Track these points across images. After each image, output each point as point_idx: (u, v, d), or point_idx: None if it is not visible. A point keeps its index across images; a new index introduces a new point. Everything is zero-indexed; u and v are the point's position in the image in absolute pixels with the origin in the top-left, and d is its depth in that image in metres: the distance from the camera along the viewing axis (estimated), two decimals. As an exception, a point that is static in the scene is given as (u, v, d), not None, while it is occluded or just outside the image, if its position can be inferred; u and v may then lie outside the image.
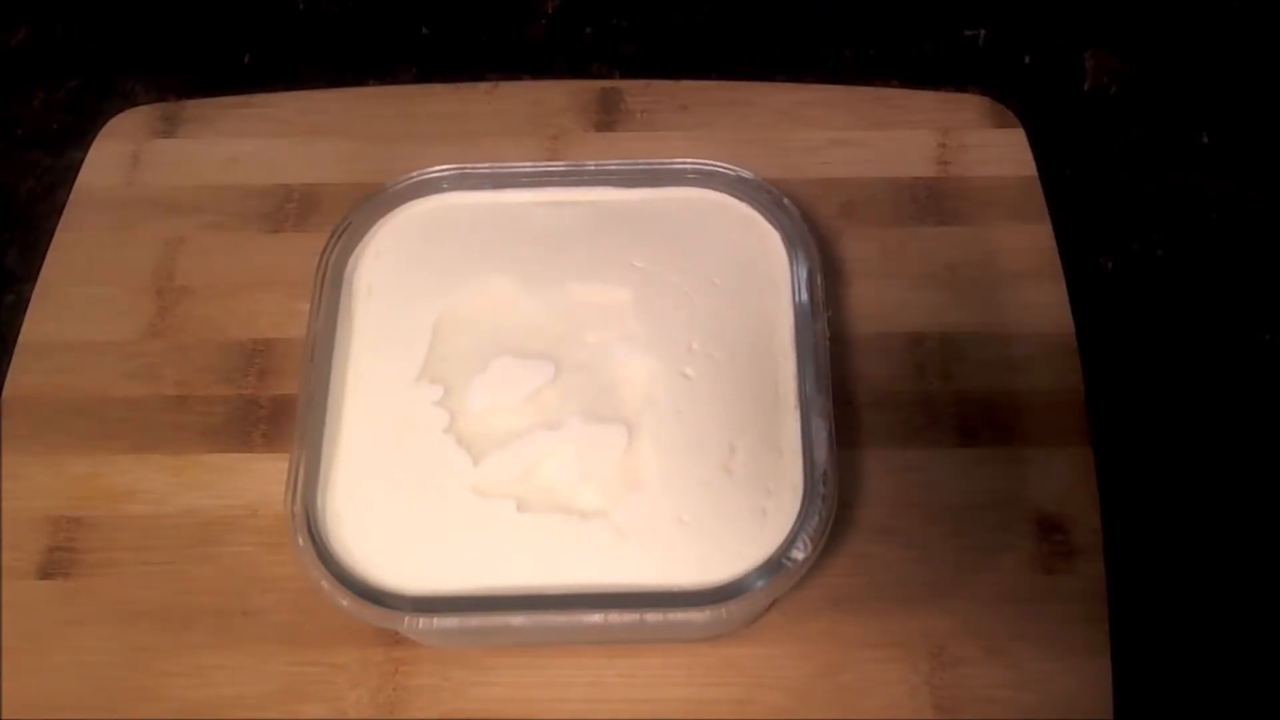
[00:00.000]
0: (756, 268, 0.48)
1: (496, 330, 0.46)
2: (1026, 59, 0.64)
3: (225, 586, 0.46)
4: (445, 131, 0.57)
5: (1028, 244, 0.53)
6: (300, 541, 0.41)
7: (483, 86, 0.58)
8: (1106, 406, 0.50)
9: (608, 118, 0.57)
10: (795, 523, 0.41)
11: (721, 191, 0.49)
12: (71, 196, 0.56)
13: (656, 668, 0.45)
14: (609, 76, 0.60)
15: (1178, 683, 0.47)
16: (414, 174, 0.50)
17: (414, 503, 0.43)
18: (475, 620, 0.41)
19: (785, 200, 0.49)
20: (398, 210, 0.50)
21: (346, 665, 0.45)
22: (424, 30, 0.64)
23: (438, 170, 0.50)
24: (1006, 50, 0.64)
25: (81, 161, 0.57)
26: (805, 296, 0.46)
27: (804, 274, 0.47)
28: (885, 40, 0.65)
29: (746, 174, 0.49)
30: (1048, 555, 0.46)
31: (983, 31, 0.65)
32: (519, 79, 0.59)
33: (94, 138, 0.58)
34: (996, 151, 0.56)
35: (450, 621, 0.40)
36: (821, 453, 0.42)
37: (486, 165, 0.50)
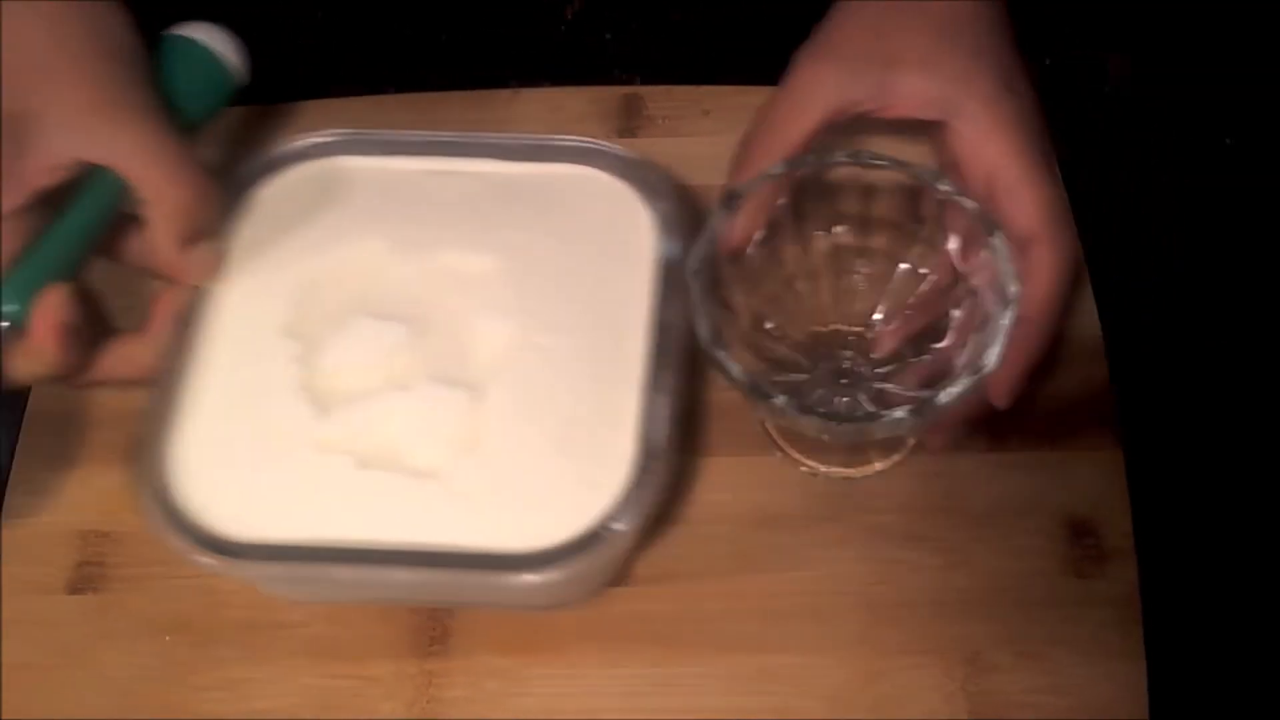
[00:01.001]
0: (626, 245, 0.48)
1: (363, 292, 0.46)
2: (1046, 61, 0.64)
3: (256, 599, 0.46)
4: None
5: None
6: (145, 498, 0.41)
7: (504, 93, 0.58)
8: (1137, 410, 0.50)
9: (630, 124, 0.57)
10: (624, 496, 0.41)
11: (604, 170, 0.49)
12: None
13: (692, 677, 0.45)
14: (630, 82, 0.59)
15: (1214, 686, 0.47)
16: (307, 136, 0.50)
17: (259, 455, 0.43)
18: (299, 570, 0.41)
19: (665, 180, 0.48)
20: (285, 171, 0.50)
21: (380, 677, 0.45)
22: (444, 37, 0.64)
23: (330, 134, 0.50)
24: (1025, 53, 0.64)
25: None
26: (668, 276, 0.46)
27: (672, 254, 0.47)
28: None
29: (630, 154, 0.49)
30: (1080, 559, 0.46)
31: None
32: (540, 85, 0.59)
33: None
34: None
35: (275, 569, 0.41)
36: (659, 429, 0.42)
37: (378, 132, 0.50)
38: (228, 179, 0.48)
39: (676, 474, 0.42)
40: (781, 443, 0.49)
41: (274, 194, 0.49)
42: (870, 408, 0.46)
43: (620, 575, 0.47)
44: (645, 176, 0.49)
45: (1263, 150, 0.60)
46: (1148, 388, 0.53)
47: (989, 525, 0.47)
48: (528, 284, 0.46)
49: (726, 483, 0.48)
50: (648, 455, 0.42)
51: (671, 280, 0.46)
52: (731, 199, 0.44)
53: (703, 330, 0.42)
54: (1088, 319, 0.51)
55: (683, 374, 0.44)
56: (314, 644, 0.46)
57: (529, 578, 0.40)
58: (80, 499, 0.49)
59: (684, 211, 0.48)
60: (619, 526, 0.40)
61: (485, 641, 0.46)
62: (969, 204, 0.44)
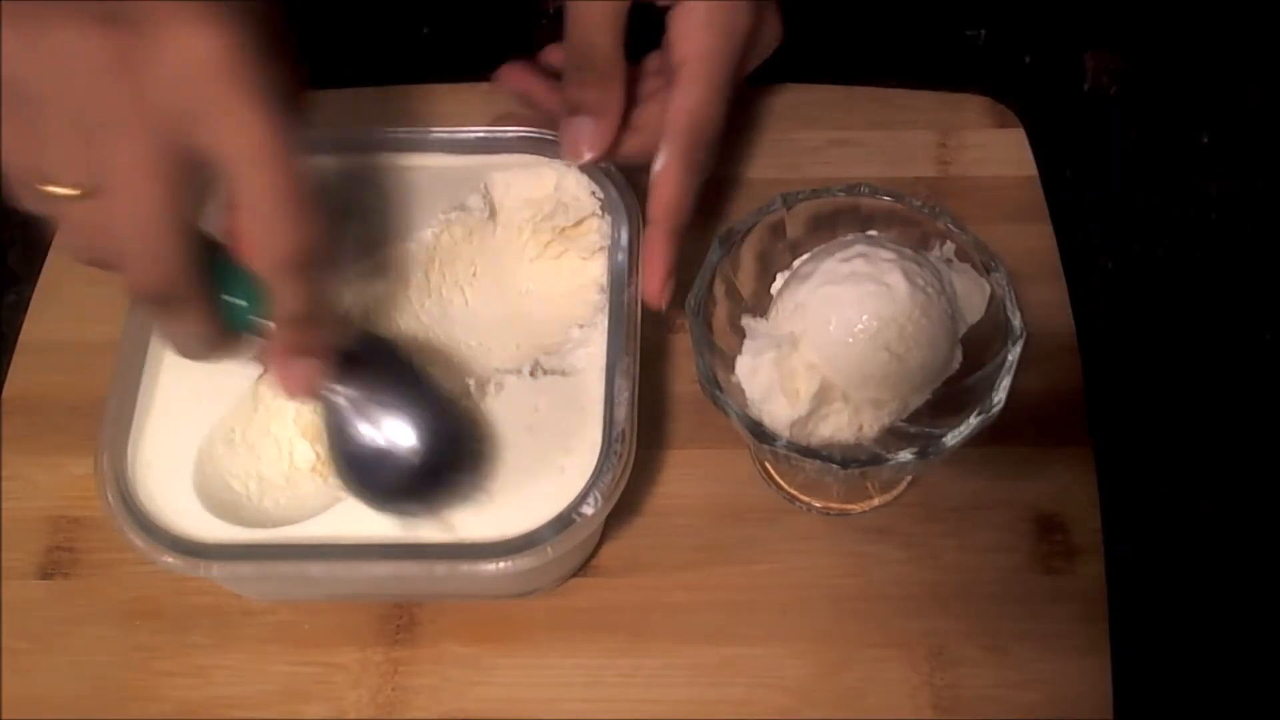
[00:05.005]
0: (577, 233, 0.48)
1: None
2: (1026, 59, 0.64)
3: (224, 586, 0.46)
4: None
5: (1028, 244, 0.53)
6: (109, 497, 0.41)
7: (483, 87, 0.58)
8: (1106, 406, 0.50)
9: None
10: (589, 479, 0.41)
11: (551, 158, 0.49)
12: (72, 196, 0.56)
13: (656, 668, 0.45)
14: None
15: (1178, 682, 0.47)
16: None
17: (223, 453, 0.43)
18: (271, 568, 0.40)
19: (610, 168, 0.48)
20: None
21: (346, 665, 0.45)
22: (424, 30, 0.64)
23: None
24: (1006, 50, 0.64)
25: (82, 161, 0.57)
26: (621, 260, 0.46)
27: (622, 239, 0.46)
28: (885, 40, 0.65)
29: None
30: (1047, 555, 0.46)
31: (983, 31, 0.65)
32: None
33: (94, 138, 0.58)
34: (996, 151, 0.56)
35: (246, 568, 0.40)
36: (621, 413, 0.42)
37: (328, 130, 0.50)
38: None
39: (644, 464, 0.42)
40: (779, 479, 0.48)
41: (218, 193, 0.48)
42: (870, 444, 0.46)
43: (587, 565, 0.47)
44: (592, 164, 0.48)
45: (1239, 148, 0.60)
46: (1119, 384, 0.53)
47: (957, 519, 0.47)
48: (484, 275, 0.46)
49: (694, 475, 0.48)
50: (611, 439, 0.42)
51: (623, 266, 0.46)
52: (729, 236, 0.44)
53: (702, 369, 0.42)
54: (1060, 314, 0.51)
55: (639, 359, 0.44)
56: (282, 631, 0.46)
57: (501, 565, 0.40)
58: (52, 485, 0.49)
59: (631, 197, 0.48)
60: (588, 510, 0.41)
61: (451, 630, 0.46)
62: (967, 236, 0.44)
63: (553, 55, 0.52)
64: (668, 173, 0.46)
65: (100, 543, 0.48)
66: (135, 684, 0.45)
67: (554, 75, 0.52)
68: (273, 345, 0.37)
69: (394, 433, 0.40)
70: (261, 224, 0.34)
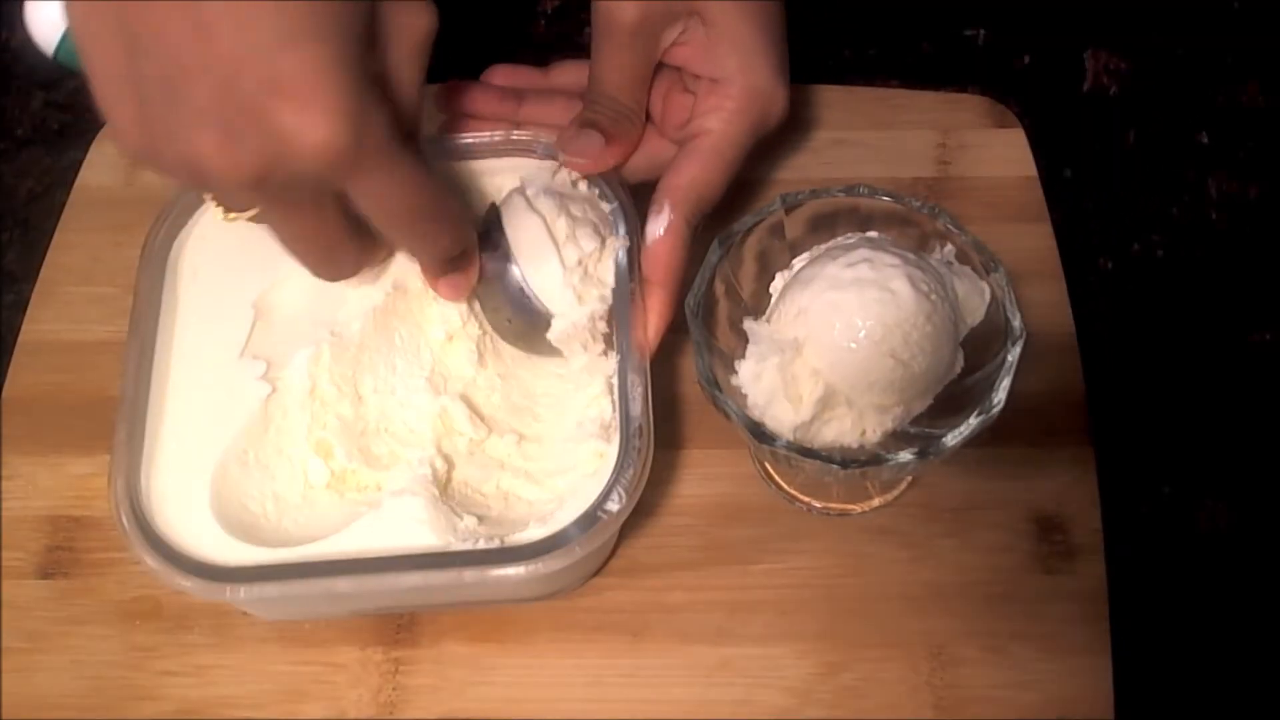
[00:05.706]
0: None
1: (318, 306, 0.45)
2: (1026, 59, 0.64)
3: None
4: (445, 131, 0.56)
5: (1028, 244, 0.53)
6: (125, 522, 0.41)
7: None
8: (1106, 406, 0.50)
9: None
10: (611, 476, 0.41)
11: (540, 160, 0.49)
12: (71, 196, 0.56)
13: (656, 668, 0.45)
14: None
15: (1178, 682, 0.47)
16: None
17: (236, 476, 0.43)
18: (298, 587, 0.40)
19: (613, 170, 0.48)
20: None
21: (346, 665, 0.45)
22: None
23: None
24: (1006, 50, 0.64)
25: (81, 161, 0.57)
26: (623, 257, 0.46)
27: (623, 236, 0.46)
28: (885, 40, 0.65)
29: None
30: (1047, 555, 0.46)
31: (983, 31, 0.65)
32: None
33: (94, 138, 0.58)
34: (996, 151, 0.56)
35: (272, 589, 0.40)
36: (637, 407, 0.42)
37: None
38: (182, 196, 0.47)
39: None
40: (779, 479, 0.48)
41: (215, 217, 0.47)
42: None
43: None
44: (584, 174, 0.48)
45: (1239, 148, 0.60)
46: (1119, 384, 0.53)
47: (957, 519, 0.47)
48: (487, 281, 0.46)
49: (693, 475, 0.49)
50: (629, 434, 0.42)
51: (624, 262, 0.46)
52: (728, 237, 0.44)
53: (701, 370, 0.42)
54: (1060, 314, 0.51)
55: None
56: (281, 631, 0.46)
57: (529, 568, 0.39)
58: (51, 484, 0.49)
59: (626, 195, 0.47)
60: (613, 507, 0.40)
61: (451, 630, 0.46)
62: (966, 237, 0.44)
63: (563, 76, 0.52)
64: (671, 235, 0.46)
65: (100, 542, 0.48)
66: (135, 684, 0.45)
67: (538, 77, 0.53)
68: (426, 271, 0.44)
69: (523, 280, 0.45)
70: (411, 244, 0.40)
